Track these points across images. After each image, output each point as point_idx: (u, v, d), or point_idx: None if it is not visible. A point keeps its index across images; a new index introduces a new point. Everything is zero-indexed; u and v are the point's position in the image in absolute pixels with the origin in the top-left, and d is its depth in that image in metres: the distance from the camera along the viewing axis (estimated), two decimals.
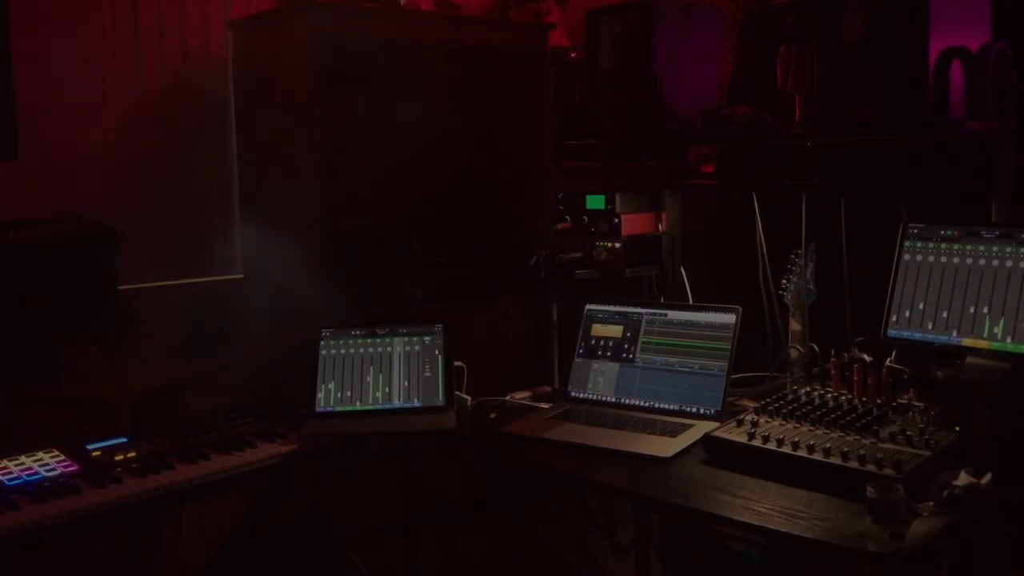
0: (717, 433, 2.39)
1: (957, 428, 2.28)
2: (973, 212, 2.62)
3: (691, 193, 3.42)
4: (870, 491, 1.94)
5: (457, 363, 2.92)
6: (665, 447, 2.46)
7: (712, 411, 2.69)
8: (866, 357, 2.56)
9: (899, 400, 2.46)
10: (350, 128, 3.06)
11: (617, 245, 3.26)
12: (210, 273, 3.53)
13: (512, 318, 3.09)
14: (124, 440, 2.56)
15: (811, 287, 2.92)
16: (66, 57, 3.17)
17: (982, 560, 2.00)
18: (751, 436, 2.32)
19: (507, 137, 3.32)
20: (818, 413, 2.41)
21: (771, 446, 2.26)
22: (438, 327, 2.91)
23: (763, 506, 2.07)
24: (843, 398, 2.51)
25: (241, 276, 3.54)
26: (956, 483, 1.97)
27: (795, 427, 2.36)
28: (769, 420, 2.42)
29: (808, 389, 2.59)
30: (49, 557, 2.50)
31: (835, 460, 2.14)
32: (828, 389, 2.58)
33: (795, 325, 2.93)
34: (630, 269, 3.36)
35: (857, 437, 2.26)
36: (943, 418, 2.32)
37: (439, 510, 2.91)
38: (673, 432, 2.57)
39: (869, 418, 2.36)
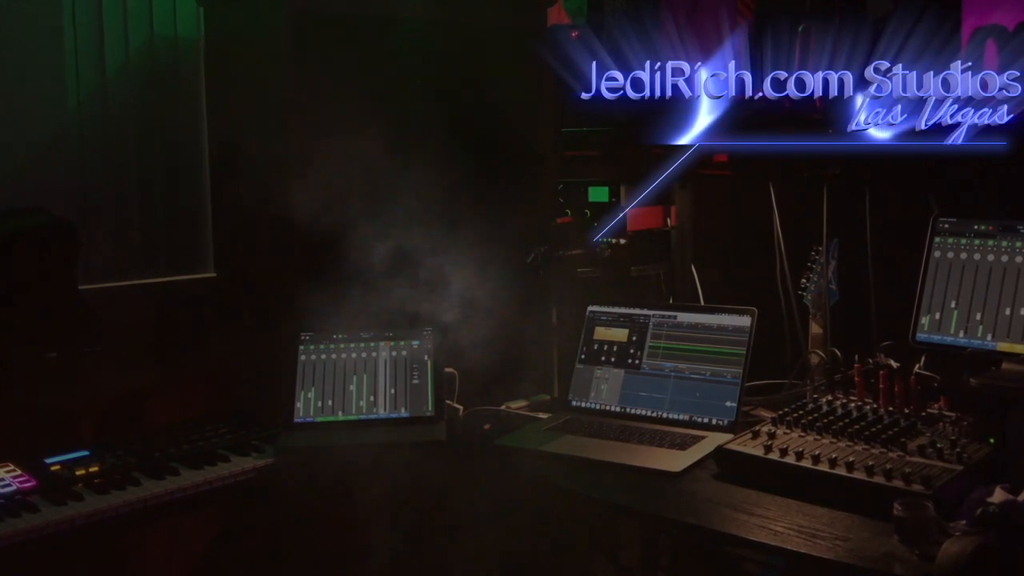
0: (731, 446, 2.39)
1: (991, 440, 2.27)
2: (1009, 205, 2.62)
3: (703, 184, 3.42)
4: (897, 509, 1.94)
5: (448, 369, 2.92)
6: (674, 461, 2.46)
7: (725, 422, 2.69)
8: (893, 363, 2.56)
9: (928, 410, 2.46)
10: (333, 114, 3.05)
11: (622, 241, 3.26)
12: (179, 272, 3.52)
13: (508, 320, 3.08)
14: (86, 453, 2.56)
15: (833, 287, 2.92)
16: (21, 37, 3.16)
17: None
18: (768, 449, 2.32)
19: (502, 122, 3.31)
20: (841, 424, 2.40)
21: (789, 460, 2.26)
22: (427, 331, 2.91)
23: (781, 525, 2.07)
24: (868, 408, 2.51)
25: (213, 275, 3.53)
26: (990, 500, 1.96)
27: (816, 439, 2.36)
28: (787, 431, 2.42)
29: (830, 398, 2.59)
30: None
31: (859, 475, 2.14)
32: (851, 398, 2.57)
33: (816, 328, 2.93)
34: (636, 267, 3.36)
35: (883, 450, 2.26)
36: (976, 430, 2.32)
37: (427, 529, 2.90)
38: (683, 445, 2.57)
39: (896, 429, 2.36)
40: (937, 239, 2.55)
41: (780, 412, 2.53)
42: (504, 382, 3.07)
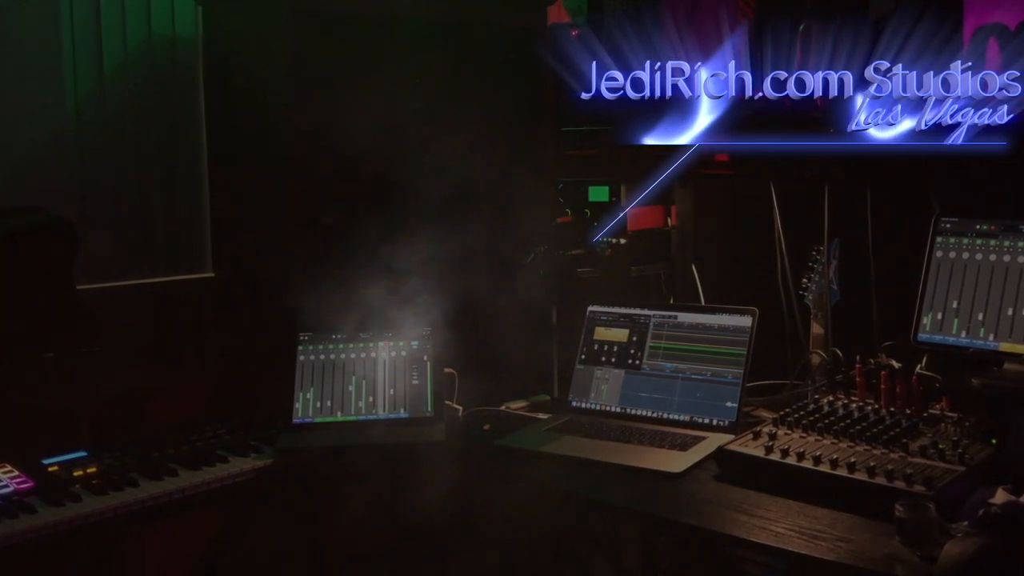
0: (731, 446, 2.39)
1: (994, 441, 2.27)
2: (1011, 205, 2.62)
3: (703, 184, 3.42)
4: (899, 510, 1.93)
5: (447, 370, 2.92)
6: (675, 462, 2.46)
7: (726, 422, 2.68)
8: (894, 363, 2.56)
9: (930, 410, 2.46)
10: (333, 112, 3.05)
11: (622, 241, 3.25)
12: (178, 272, 3.51)
13: (508, 321, 3.08)
14: (83, 454, 2.55)
15: (834, 287, 2.92)
16: (20, 37, 3.15)
17: None
18: (769, 450, 2.31)
19: (502, 122, 3.31)
20: (842, 424, 2.40)
21: (790, 460, 2.26)
22: (426, 331, 2.91)
23: (782, 526, 2.07)
24: (869, 408, 2.51)
25: (212, 275, 3.52)
26: (992, 501, 1.96)
27: (817, 440, 2.36)
28: (788, 432, 2.42)
29: (831, 398, 2.59)
30: None
31: (860, 476, 2.14)
32: (853, 398, 2.57)
33: (817, 328, 2.92)
34: (636, 267, 3.35)
35: (884, 451, 2.25)
36: (978, 430, 2.32)
37: (427, 531, 2.90)
38: (683, 445, 2.57)
39: (898, 430, 2.36)
40: (939, 239, 2.55)
41: (781, 413, 2.53)
42: (504, 382, 3.07)
